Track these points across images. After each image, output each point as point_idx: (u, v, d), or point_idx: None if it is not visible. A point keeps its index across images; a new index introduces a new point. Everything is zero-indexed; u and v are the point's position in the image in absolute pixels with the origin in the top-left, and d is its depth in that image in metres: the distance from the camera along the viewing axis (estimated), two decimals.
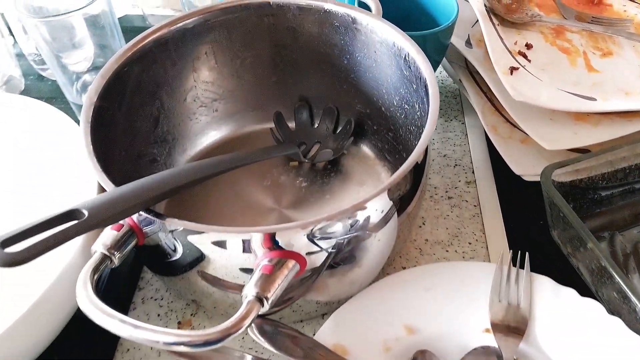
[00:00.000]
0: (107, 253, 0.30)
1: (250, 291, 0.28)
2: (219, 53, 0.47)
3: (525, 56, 0.47)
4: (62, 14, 0.44)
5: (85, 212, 0.25)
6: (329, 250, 0.33)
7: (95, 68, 0.52)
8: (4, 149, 0.45)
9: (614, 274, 0.35)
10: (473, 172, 0.50)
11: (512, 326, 0.36)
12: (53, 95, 0.59)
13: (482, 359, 0.35)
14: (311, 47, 0.47)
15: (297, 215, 0.45)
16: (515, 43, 0.49)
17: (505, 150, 0.46)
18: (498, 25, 0.49)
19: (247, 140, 0.52)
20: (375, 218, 0.34)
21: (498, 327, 0.36)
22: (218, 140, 0.52)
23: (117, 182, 0.31)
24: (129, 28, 0.67)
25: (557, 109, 0.41)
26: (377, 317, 0.37)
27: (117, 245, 0.30)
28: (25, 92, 0.61)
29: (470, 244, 0.45)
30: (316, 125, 0.52)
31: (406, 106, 0.43)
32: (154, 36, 0.42)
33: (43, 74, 0.61)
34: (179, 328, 0.40)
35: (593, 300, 0.37)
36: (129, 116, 0.42)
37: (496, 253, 0.44)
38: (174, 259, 0.34)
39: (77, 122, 0.50)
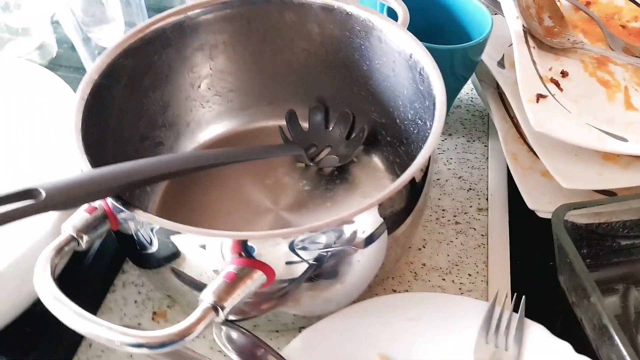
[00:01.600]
0: (74, 235, 0.29)
1: (207, 297, 0.27)
2: (238, 44, 0.46)
3: (557, 84, 0.43)
4: None
5: (43, 193, 0.24)
6: (310, 262, 0.32)
7: None
8: None
9: (615, 335, 0.32)
10: (487, 199, 0.47)
11: None
12: (82, 66, 0.60)
13: None
14: (331, 49, 0.45)
15: (293, 218, 0.44)
16: (550, 69, 0.45)
17: (522, 181, 0.43)
18: (534, 48, 0.45)
19: (258, 135, 0.51)
20: (362, 234, 0.32)
21: None
22: (229, 130, 0.50)
23: (106, 163, 0.30)
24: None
25: (579, 145, 0.38)
26: (352, 341, 0.35)
27: (87, 228, 0.29)
28: (55, 60, 0.61)
29: (470, 275, 0.42)
30: (330, 129, 0.50)
31: (419, 121, 0.41)
32: (171, 19, 0.41)
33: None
34: (152, 319, 0.39)
35: None
36: (136, 97, 0.42)
37: (496, 290, 0.41)
38: (148, 251, 0.33)
39: None
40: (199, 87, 0.47)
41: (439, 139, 0.32)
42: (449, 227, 0.45)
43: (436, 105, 0.34)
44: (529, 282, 0.41)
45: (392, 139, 0.46)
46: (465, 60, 0.45)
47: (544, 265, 0.42)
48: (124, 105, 0.40)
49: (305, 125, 0.50)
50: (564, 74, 0.45)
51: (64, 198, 0.25)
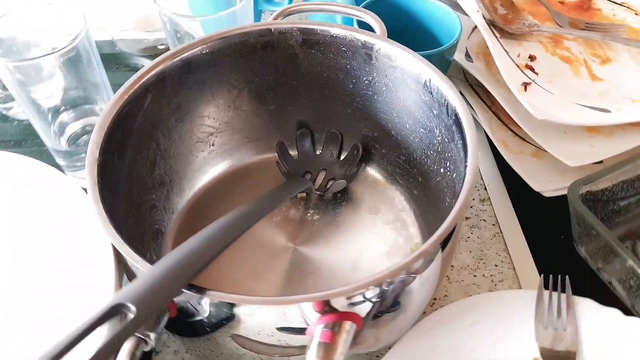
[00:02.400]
0: (141, 336, 0.26)
1: None
2: (215, 85, 0.44)
3: (532, 69, 0.46)
4: (39, 57, 0.39)
5: (132, 307, 0.21)
6: (374, 300, 0.31)
7: (71, 105, 0.47)
8: None
9: None
10: (486, 189, 0.49)
11: (562, 352, 0.35)
12: (21, 138, 0.54)
13: None
14: (313, 73, 0.44)
15: (315, 252, 0.43)
16: (519, 55, 0.48)
17: (520, 167, 0.45)
18: (500, 38, 0.47)
19: (247, 173, 0.49)
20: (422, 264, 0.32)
21: (547, 355, 0.35)
22: (217, 176, 0.48)
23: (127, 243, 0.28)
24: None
25: (580, 125, 0.40)
26: None
27: (152, 325, 0.27)
28: None
29: (496, 265, 0.43)
30: (318, 152, 0.49)
31: (421, 130, 0.41)
32: (151, 73, 0.38)
33: (7, 113, 0.55)
34: None
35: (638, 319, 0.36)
36: (128, 164, 0.38)
37: (524, 273, 0.43)
38: (201, 320, 0.30)
39: (58, 168, 0.46)
40: (180, 137, 0.44)
41: (477, 155, 0.32)
42: (462, 224, 0.46)
43: (464, 130, 0.34)
44: (550, 258, 0.43)
45: (388, 150, 0.46)
46: (442, 62, 0.46)
47: (557, 239, 0.45)
48: (121, 176, 0.37)
49: (294, 152, 0.49)
50: (532, 58, 0.48)
51: (153, 307, 0.22)
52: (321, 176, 0.48)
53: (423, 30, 0.50)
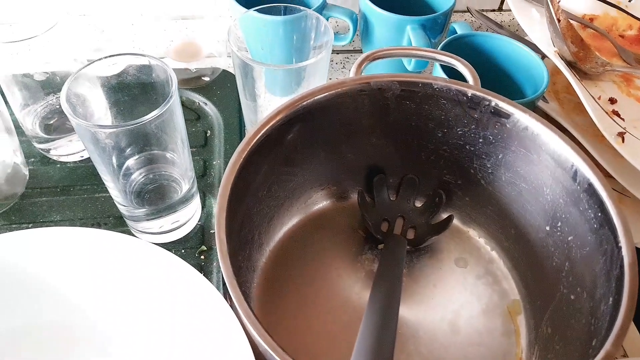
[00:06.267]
0: None
1: None
2: (303, 137, 0.41)
3: (618, 114, 0.45)
4: (137, 123, 0.34)
5: None
6: None
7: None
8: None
9: None
10: None
11: None
12: (68, 183, 0.49)
13: None
14: (401, 122, 0.42)
15: (409, 312, 0.41)
16: (599, 98, 0.47)
17: None
18: (581, 80, 0.46)
19: (320, 221, 0.46)
20: None
21: None
22: (292, 226, 0.46)
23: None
24: None
25: None
26: None
27: None
28: (31, 182, 0.49)
29: None
30: (393, 198, 0.47)
31: (523, 184, 0.40)
32: (261, 135, 0.36)
33: (48, 155, 0.51)
34: None
35: None
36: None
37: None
38: None
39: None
40: (264, 192, 0.42)
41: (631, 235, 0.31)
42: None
43: (597, 189, 0.32)
44: None
45: (474, 199, 0.45)
46: (532, 108, 0.45)
47: None
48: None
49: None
50: (612, 101, 0.47)
51: None
52: (399, 223, 0.46)
53: (502, 70, 0.48)
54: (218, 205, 0.31)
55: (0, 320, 0.36)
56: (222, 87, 0.59)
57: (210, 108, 0.57)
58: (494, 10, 0.67)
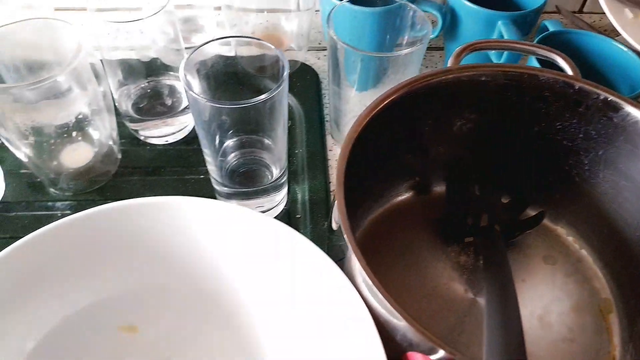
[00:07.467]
0: None
1: None
2: (404, 125, 0.41)
3: None
4: (252, 102, 0.35)
5: None
6: None
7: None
8: None
9: None
10: None
11: None
12: (158, 165, 0.51)
13: None
14: (497, 114, 0.42)
15: None
16: None
17: None
18: None
19: (403, 212, 0.47)
20: None
21: None
22: (377, 215, 0.46)
23: None
24: None
25: None
26: None
27: None
28: (123, 162, 0.51)
29: None
30: (477, 192, 0.47)
31: (623, 182, 0.39)
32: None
33: (138, 135, 0.53)
34: None
35: None
36: None
37: None
38: None
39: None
40: None
41: None
42: None
43: None
44: None
45: (563, 195, 0.44)
46: None
47: None
48: None
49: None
50: None
51: None
52: (484, 220, 0.46)
53: (595, 68, 0.48)
54: (337, 179, 0.32)
55: (140, 277, 0.38)
56: (302, 79, 0.60)
57: (290, 99, 0.58)
58: (574, 13, 0.66)
